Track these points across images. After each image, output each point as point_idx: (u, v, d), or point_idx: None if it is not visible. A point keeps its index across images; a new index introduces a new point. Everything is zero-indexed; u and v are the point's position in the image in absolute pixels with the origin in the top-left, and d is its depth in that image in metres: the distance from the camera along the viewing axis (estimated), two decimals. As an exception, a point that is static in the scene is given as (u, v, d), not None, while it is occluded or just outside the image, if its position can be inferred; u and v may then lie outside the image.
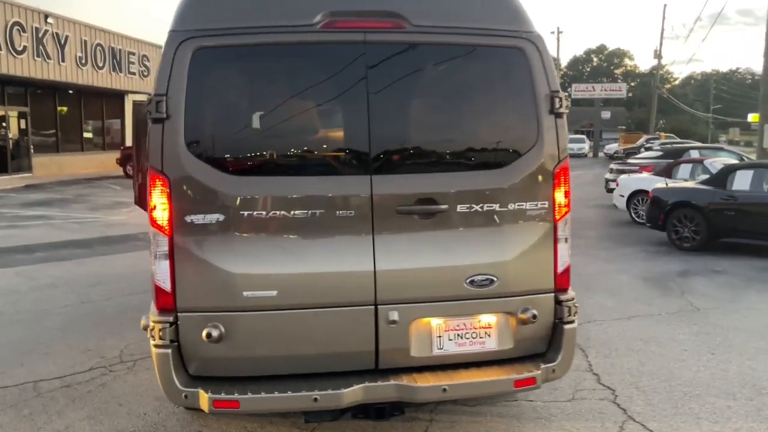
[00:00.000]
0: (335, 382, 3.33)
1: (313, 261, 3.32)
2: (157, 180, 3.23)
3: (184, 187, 3.24)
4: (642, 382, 4.88)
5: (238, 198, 3.25)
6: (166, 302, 3.29)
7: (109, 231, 13.21)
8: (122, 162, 28.44)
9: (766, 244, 10.17)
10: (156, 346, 3.27)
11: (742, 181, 10.68)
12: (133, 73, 30.29)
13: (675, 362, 5.35)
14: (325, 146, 3.54)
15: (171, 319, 3.27)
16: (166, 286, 3.27)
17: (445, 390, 3.32)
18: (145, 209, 6.91)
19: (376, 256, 3.35)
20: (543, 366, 3.54)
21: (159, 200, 3.25)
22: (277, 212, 3.28)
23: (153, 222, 3.27)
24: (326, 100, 3.46)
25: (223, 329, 3.25)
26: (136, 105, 7.28)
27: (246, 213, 3.25)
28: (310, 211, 3.29)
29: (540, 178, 3.56)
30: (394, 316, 3.37)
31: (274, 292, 3.27)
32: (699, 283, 8.34)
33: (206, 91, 3.29)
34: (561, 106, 3.56)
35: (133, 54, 30.24)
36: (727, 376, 5.04)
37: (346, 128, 3.49)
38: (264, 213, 3.27)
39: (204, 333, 3.21)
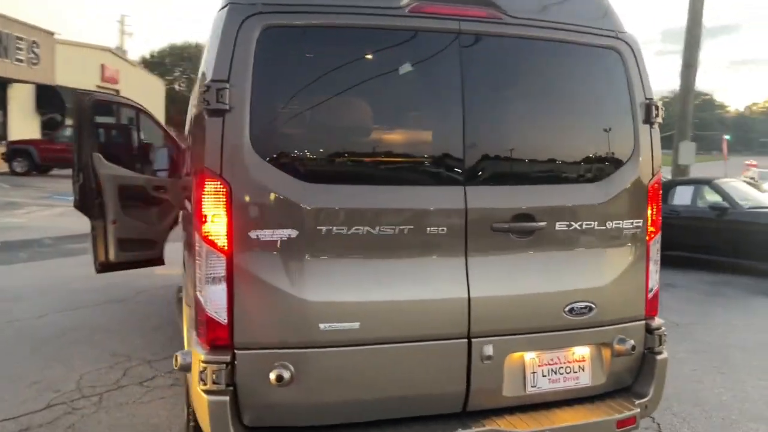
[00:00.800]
0: (419, 430, 2.78)
1: (401, 287, 2.76)
2: (212, 185, 2.57)
3: (249, 196, 2.59)
4: (675, 408, 4.64)
5: (316, 210, 2.65)
6: (220, 337, 2.62)
7: (7, 235, 11.72)
8: (8, 158, 26.03)
9: (705, 258, 10.53)
10: (208, 392, 2.59)
11: (682, 197, 11.03)
12: (21, 61, 27.63)
13: (692, 383, 5.19)
14: (413, 150, 2.96)
15: (227, 357, 2.60)
16: (222, 317, 2.60)
17: None
18: (88, 214, 6.01)
19: (470, 280, 2.84)
20: (637, 402, 3.16)
21: (214, 211, 2.58)
22: (361, 228, 2.70)
23: (205, 238, 2.59)
24: (415, 96, 2.93)
25: (293, 369, 2.61)
26: (79, 95, 6.33)
27: (324, 228, 2.65)
28: (398, 228, 2.74)
29: (636, 193, 3.20)
30: (489, 350, 2.87)
31: (357, 324, 2.69)
32: (662, 298, 8.38)
33: (275, 80, 2.67)
34: (657, 115, 3.22)
35: (22, 40, 27.59)
36: (751, 397, 4.91)
37: (437, 130, 2.94)
38: (345, 229, 2.68)
39: (273, 375, 2.58)
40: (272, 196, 2.61)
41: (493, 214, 2.87)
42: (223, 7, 2.68)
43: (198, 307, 2.66)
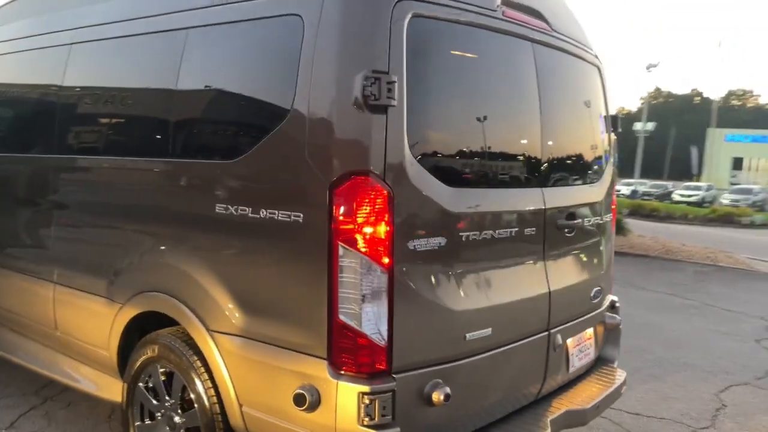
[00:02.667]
0: (520, 426, 2.95)
1: (513, 288, 2.91)
2: (375, 192, 2.28)
3: (408, 202, 2.38)
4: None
5: (461, 215, 2.60)
6: (379, 361, 2.33)
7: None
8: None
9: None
10: (378, 426, 2.29)
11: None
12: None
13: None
14: (515, 152, 3.07)
15: (392, 384, 2.33)
16: (380, 337, 2.32)
17: (597, 407, 3.28)
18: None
19: (548, 276, 3.11)
20: (615, 365, 3.72)
21: (376, 219, 2.29)
22: (488, 232, 2.71)
23: (372, 250, 2.30)
24: (515, 100, 3.05)
25: (447, 386, 2.48)
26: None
27: (464, 234, 2.59)
28: (509, 230, 2.85)
29: (610, 191, 3.76)
30: (558, 339, 3.16)
31: (489, 330, 2.70)
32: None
33: (424, 75, 2.47)
34: (618, 128, 3.86)
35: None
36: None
37: (527, 133, 3.06)
38: (478, 233, 2.66)
39: (437, 395, 2.43)
40: (427, 201, 2.45)
41: (557, 214, 3.13)
42: None
43: (344, 331, 2.32)
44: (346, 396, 2.28)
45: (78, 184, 3.61)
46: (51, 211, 3.68)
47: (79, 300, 3.44)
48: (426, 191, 2.43)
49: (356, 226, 2.27)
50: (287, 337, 2.46)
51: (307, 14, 2.39)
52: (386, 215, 2.28)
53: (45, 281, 3.66)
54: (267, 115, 2.57)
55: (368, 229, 2.27)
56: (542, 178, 3.09)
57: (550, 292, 3.08)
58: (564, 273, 3.26)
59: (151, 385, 3.05)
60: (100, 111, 3.52)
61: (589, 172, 3.63)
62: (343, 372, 2.31)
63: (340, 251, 2.28)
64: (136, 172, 3.15)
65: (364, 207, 2.26)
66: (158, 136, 3.05)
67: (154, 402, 3.04)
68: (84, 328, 3.46)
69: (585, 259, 3.49)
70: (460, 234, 2.58)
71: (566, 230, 3.24)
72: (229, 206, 2.61)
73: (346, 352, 2.31)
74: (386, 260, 2.30)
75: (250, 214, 2.53)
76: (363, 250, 2.28)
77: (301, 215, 2.38)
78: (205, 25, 2.84)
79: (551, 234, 3.11)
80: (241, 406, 2.63)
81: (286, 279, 2.48)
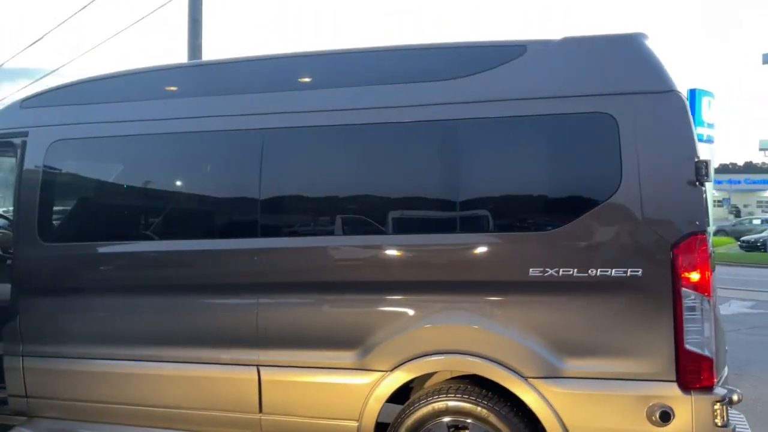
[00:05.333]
0: None
1: None
2: (703, 245, 2.99)
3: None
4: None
5: None
6: (712, 376, 2.98)
7: None
8: None
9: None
10: (724, 426, 2.94)
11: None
12: None
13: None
14: None
15: (726, 392, 3.00)
16: (713, 357, 2.97)
17: None
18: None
19: None
20: None
21: (703, 265, 2.98)
22: None
23: (703, 288, 2.96)
24: None
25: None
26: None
27: None
28: None
29: None
30: None
31: None
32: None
33: None
34: None
35: None
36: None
37: None
38: None
39: (735, 397, 3.00)
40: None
41: None
42: (669, 92, 3.09)
43: (690, 356, 2.94)
44: (702, 407, 2.94)
45: (331, 264, 3.58)
46: (251, 295, 3.62)
47: (305, 377, 3.50)
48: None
49: (692, 273, 2.97)
50: (628, 370, 3.04)
51: (620, 115, 3.11)
52: (708, 261, 3.01)
53: (242, 366, 3.60)
54: (588, 191, 3.16)
55: (699, 274, 2.98)
56: None
57: None
58: None
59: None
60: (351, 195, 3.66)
61: None
62: (692, 389, 2.97)
63: (684, 293, 2.97)
64: (423, 250, 3.41)
65: (696, 256, 2.98)
66: (450, 214, 3.39)
67: None
68: (317, 403, 3.51)
69: None
70: None
71: None
72: (548, 269, 3.10)
73: (691, 373, 2.98)
74: (710, 295, 3.00)
75: (575, 274, 3.07)
76: (699, 290, 2.98)
77: (640, 270, 3.01)
78: (496, 117, 3.31)
79: None
80: None
81: (626, 323, 3.07)
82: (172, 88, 4.00)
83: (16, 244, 4.11)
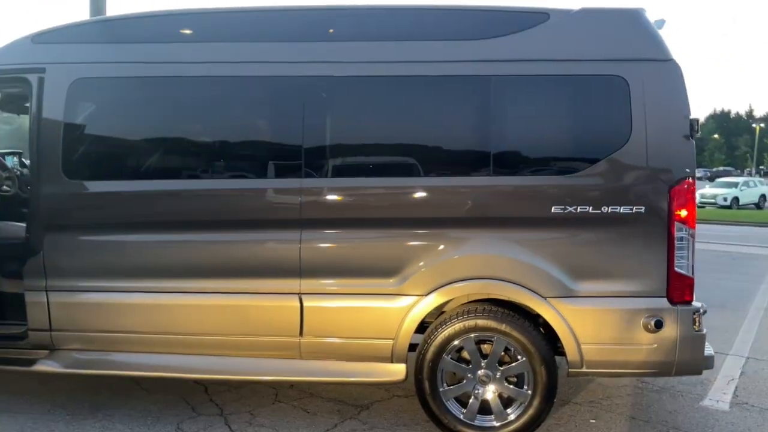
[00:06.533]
0: None
1: None
2: (690, 187, 3.69)
3: None
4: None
5: None
6: (690, 293, 3.76)
7: None
8: None
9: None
10: (699, 330, 3.75)
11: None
12: None
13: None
14: None
15: (698, 305, 3.80)
16: (691, 278, 3.74)
17: None
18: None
19: None
20: None
21: (690, 204, 3.70)
22: None
23: (690, 223, 3.68)
24: None
25: None
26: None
27: None
28: None
29: None
30: None
31: None
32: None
33: None
34: None
35: None
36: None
37: None
38: None
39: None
40: None
41: None
42: (669, 60, 3.72)
43: (678, 277, 3.67)
44: (685, 316, 3.73)
45: (384, 202, 3.97)
46: (294, 231, 3.93)
47: (346, 302, 3.93)
48: None
49: (683, 210, 3.69)
50: (628, 289, 3.75)
51: (631, 78, 3.74)
52: (693, 200, 3.75)
53: (284, 295, 3.96)
54: (602, 142, 3.76)
55: (687, 211, 3.72)
56: None
57: None
58: None
59: (457, 354, 3.90)
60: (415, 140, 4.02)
61: None
62: (677, 302, 3.74)
63: (676, 226, 3.70)
64: (460, 190, 3.89)
65: (687, 197, 3.70)
66: (484, 160, 3.85)
67: (464, 366, 3.89)
68: (356, 325, 3.94)
69: None
70: None
71: None
72: (568, 207, 3.70)
73: (678, 290, 3.75)
74: (693, 228, 3.74)
75: (590, 211, 3.69)
76: (688, 224, 3.72)
77: (643, 207, 3.70)
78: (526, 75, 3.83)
79: None
80: (579, 345, 3.76)
81: (629, 251, 3.75)
82: (214, 32, 4.12)
83: (37, 182, 4.11)
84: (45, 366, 4.17)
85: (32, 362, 4.20)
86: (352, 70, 3.93)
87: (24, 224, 4.85)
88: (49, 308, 4.13)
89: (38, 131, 4.09)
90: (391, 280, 3.88)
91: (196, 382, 4.71)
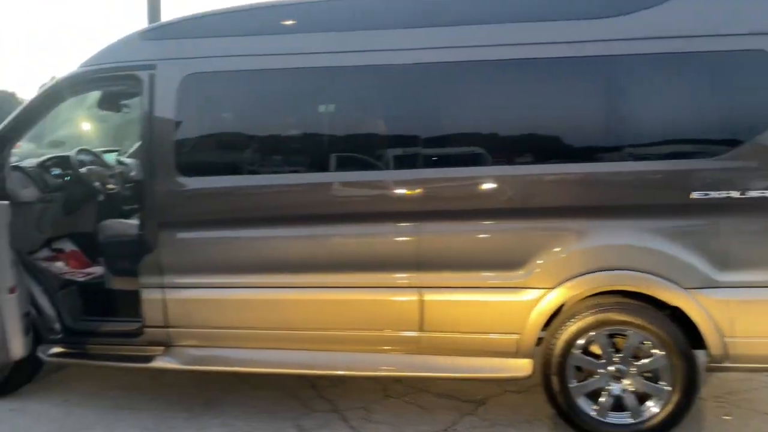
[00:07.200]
0: None
1: None
2: None
3: None
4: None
5: None
6: None
7: None
8: None
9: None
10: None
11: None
12: None
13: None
14: None
15: None
16: None
17: None
18: None
19: None
20: None
21: None
22: None
23: None
24: None
25: None
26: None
27: None
28: None
29: None
30: None
31: None
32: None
33: None
34: None
35: None
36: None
37: None
38: None
39: None
40: None
41: None
42: None
43: None
44: None
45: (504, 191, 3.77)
46: (415, 223, 3.82)
47: (468, 296, 3.80)
48: None
49: None
50: None
51: None
52: None
53: (403, 289, 3.85)
54: (746, 122, 3.51)
55: None
56: None
57: None
58: None
59: (587, 349, 3.73)
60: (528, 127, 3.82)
61: None
62: None
63: None
64: (594, 178, 3.68)
65: None
66: (620, 145, 3.66)
67: (596, 361, 3.72)
68: (479, 319, 3.81)
69: None
70: None
71: None
72: (710, 192, 3.47)
73: None
74: None
75: (735, 196, 3.45)
76: None
77: None
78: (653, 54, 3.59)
79: None
80: (723, 338, 3.55)
81: None
82: (330, 22, 4.02)
83: (149, 180, 4.09)
84: (163, 362, 4.17)
85: (150, 359, 4.21)
86: (474, 55, 3.76)
87: (129, 221, 4.87)
88: (165, 305, 4.12)
89: (150, 128, 4.07)
90: (516, 273, 3.72)
91: (303, 378, 4.66)
